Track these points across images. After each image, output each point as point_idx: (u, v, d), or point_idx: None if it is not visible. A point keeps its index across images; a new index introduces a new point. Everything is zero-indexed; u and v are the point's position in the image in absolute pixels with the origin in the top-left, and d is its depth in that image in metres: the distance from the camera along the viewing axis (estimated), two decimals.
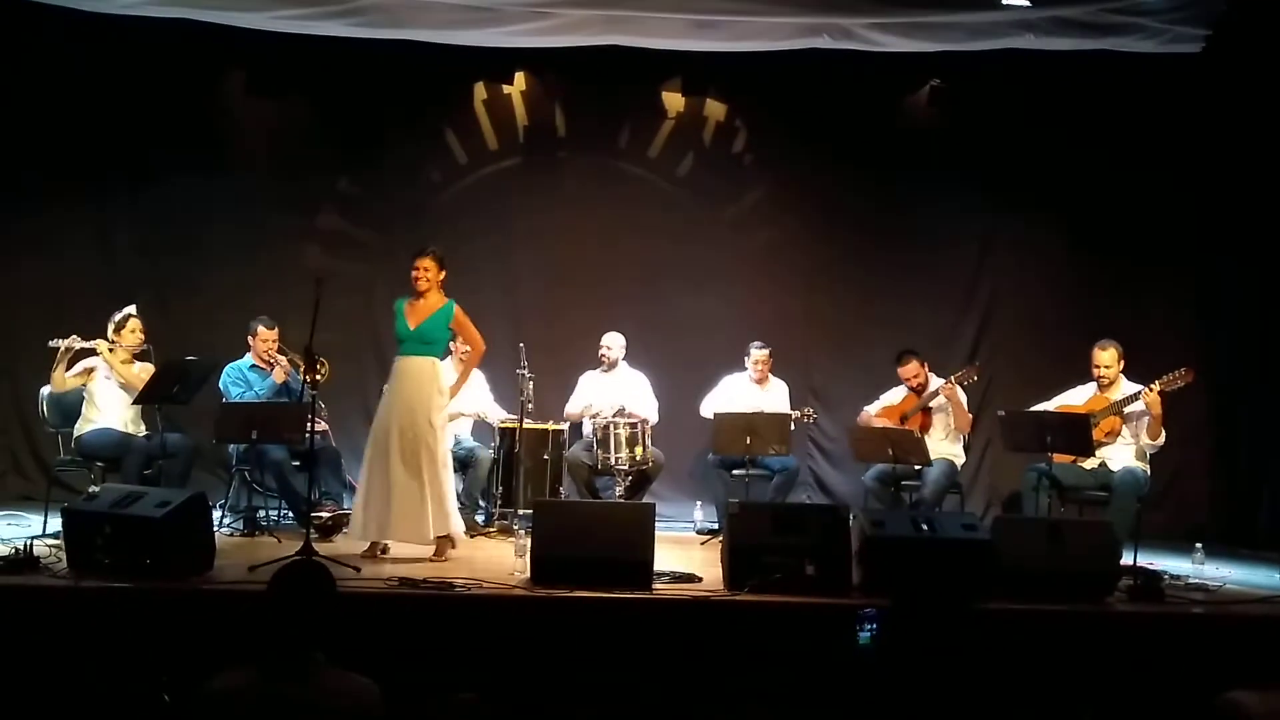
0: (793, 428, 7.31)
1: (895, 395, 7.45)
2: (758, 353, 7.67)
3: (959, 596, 4.92)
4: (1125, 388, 6.69)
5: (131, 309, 6.77)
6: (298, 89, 8.49)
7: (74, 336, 6.52)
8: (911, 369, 7.32)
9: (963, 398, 7.27)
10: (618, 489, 6.93)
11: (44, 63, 8.05)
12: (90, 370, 6.69)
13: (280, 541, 6.21)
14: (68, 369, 6.60)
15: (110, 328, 6.70)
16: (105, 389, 6.69)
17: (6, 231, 8.13)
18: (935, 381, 7.30)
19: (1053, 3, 7.39)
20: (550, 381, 7.77)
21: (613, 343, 7.74)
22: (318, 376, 6.09)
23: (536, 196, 8.74)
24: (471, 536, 7.09)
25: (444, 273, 6.15)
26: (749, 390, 7.71)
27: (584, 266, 8.64)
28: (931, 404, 7.25)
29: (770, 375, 7.79)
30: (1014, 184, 8.69)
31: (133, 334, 6.72)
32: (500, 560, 5.86)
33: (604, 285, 8.59)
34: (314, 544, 5.57)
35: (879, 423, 7.32)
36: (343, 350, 7.84)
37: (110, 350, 6.64)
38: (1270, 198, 8.29)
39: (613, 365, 7.74)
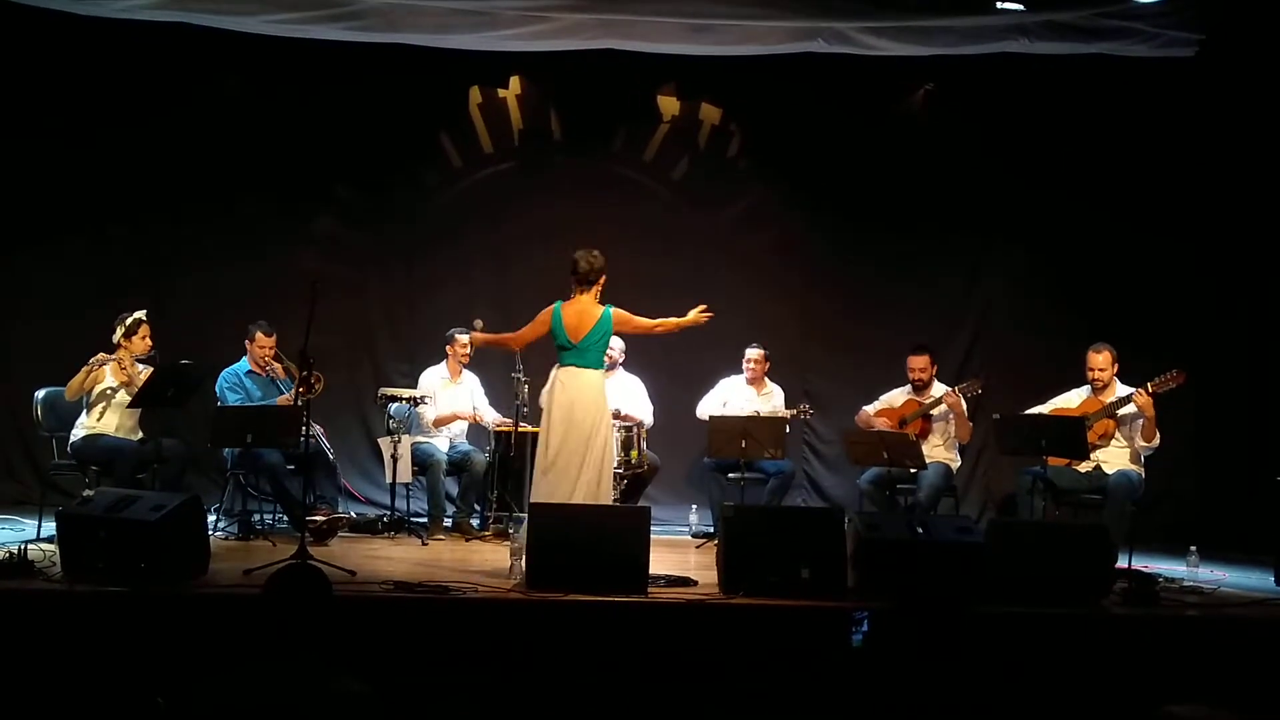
0: (788, 430, 7.32)
1: (896, 397, 7.45)
2: (752, 352, 7.69)
3: (953, 600, 4.93)
4: (1119, 390, 6.71)
5: (141, 314, 6.76)
6: (293, 93, 8.47)
7: (103, 355, 6.59)
8: (921, 362, 7.31)
9: (964, 408, 7.27)
10: (613, 492, 6.92)
11: (38, 66, 8.03)
12: (96, 383, 6.67)
13: (275, 545, 6.20)
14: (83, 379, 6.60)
15: (119, 330, 6.69)
16: (108, 394, 6.68)
17: (1, 235, 8.12)
18: (939, 388, 7.30)
19: (1046, 7, 7.41)
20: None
21: (613, 345, 7.75)
22: (313, 389, 6.08)
23: (531, 200, 8.75)
24: (467, 540, 7.12)
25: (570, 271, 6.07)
26: (745, 393, 7.72)
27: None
28: (933, 411, 7.26)
29: (767, 380, 7.81)
30: (1008, 187, 8.72)
31: (143, 340, 6.73)
32: (496, 564, 5.87)
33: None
34: (309, 548, 5.56)
35: (878, 423, 7.32)
36: (338, 354, 7.85)
37: (120, 365, 6.64)
38: (1263, 201, 8.32)
39: (611, 368, 7.75)
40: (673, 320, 6.20)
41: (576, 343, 5.93)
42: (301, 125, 8.51)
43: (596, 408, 5.90)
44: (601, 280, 6.04)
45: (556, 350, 5.97)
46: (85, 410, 6.68)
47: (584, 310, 5.97)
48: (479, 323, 6.87)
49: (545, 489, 5.78)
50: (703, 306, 6.16)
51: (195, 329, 7.94)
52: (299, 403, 6.28)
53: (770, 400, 7.73)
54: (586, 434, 5.82)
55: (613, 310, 6.01)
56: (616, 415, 7.26)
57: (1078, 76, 8.21)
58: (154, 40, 7.83)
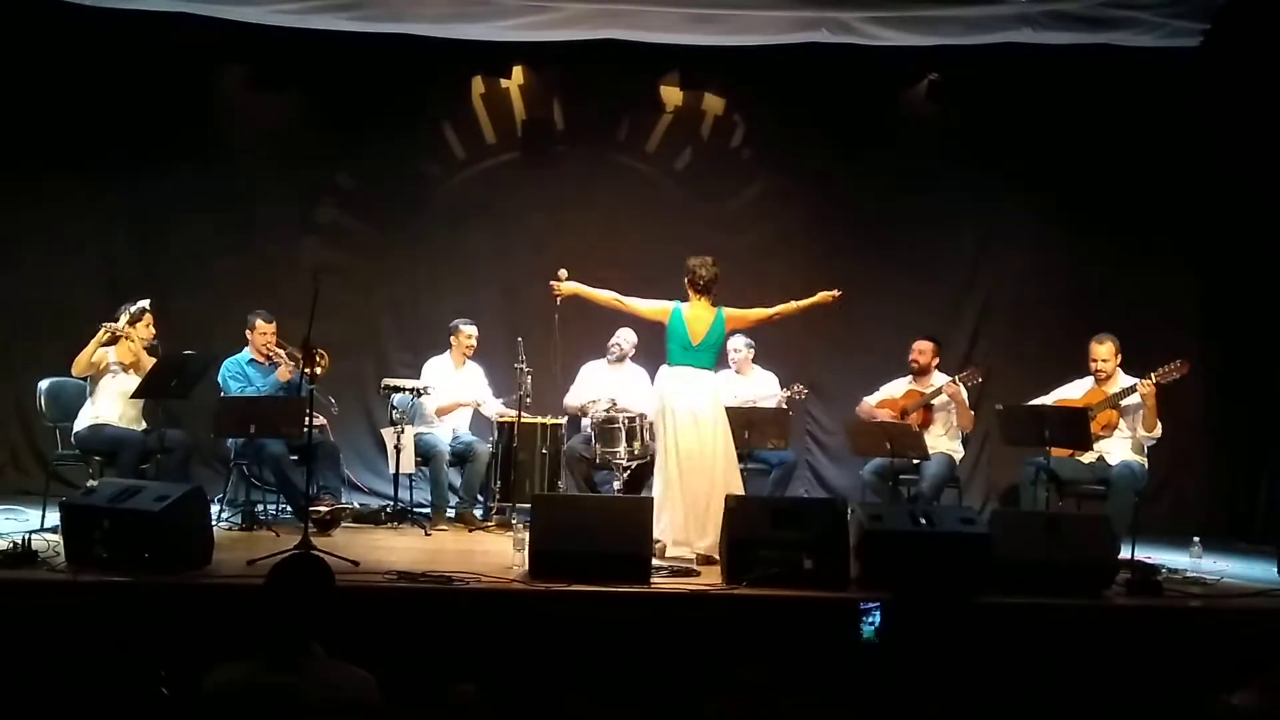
0: (790, 411, 7.33)
1: (897, 387, 7.45)
2: (734, 341, 7.70)
3: (957, 590, 4.94)
4: (1122, 381, 6.70)
5: (145, 303, 6.75)
6: (296, 83, 8.47)
7: (111, 326, 6.55)
8: (922, 346, 7.33)
9: (964, 397, 7.27)
10: (616, 483, 6.92)
11: (42, 56, 8.02)
12: (103, 360, 6.65)
13: (278, 535, 6.22)
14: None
15: (123, 318, 6.67)
16: (112, 383, 6.66)
17: (4, 225, 8.13)
18: (940, 378, 7.29)
19: None
20: (548, 375, 7.76)
21: (626, 338, 7.77)
22: (317, 369, 6.10)
23: (534, 190, 8.74)
24: (470, 531, 7.12)
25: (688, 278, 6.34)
26: (733, 381, 7.73)
27: (581, 260, 8.59)
28: (934, 401, 7.25)
29: (755, 365, 7.84)
30: (1012, 177, 8.70)
31: (147, 329, 6.72)
32: (499, 554, 5.87)
33: (601, 279, 8.56)
34: (312, 538, 5.57)
35: (879, 414, 7.32)
36: (340, 344, 7.83)
37: (128, 339, 6.62)
38: (1268, 191, 8.30)
39: (620, 360, 7.78)
40: (793, 304, 6.50)
41: (696, 345, 6.17)
42: (304, 115, 8.51)
43: (714, 405, 6.15)
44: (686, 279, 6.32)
45: (675, 349, 6.23)
46: (89, 399, 6.68)
47: (701, 314, 6.24)
48: (564, 272, 6.69)
49: (665, 484, 5.99)
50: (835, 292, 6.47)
51: (197, 319, 7.95)
52: (303, 389, 6.27)
53: (760, 386, 7.74)
54: (710, 429, 6.05)
55: (725, 311, 6.27)
56: (614, 405, 7.27)
57: (1083, 65, 8.18)
58: (157, 30, 7.82)
